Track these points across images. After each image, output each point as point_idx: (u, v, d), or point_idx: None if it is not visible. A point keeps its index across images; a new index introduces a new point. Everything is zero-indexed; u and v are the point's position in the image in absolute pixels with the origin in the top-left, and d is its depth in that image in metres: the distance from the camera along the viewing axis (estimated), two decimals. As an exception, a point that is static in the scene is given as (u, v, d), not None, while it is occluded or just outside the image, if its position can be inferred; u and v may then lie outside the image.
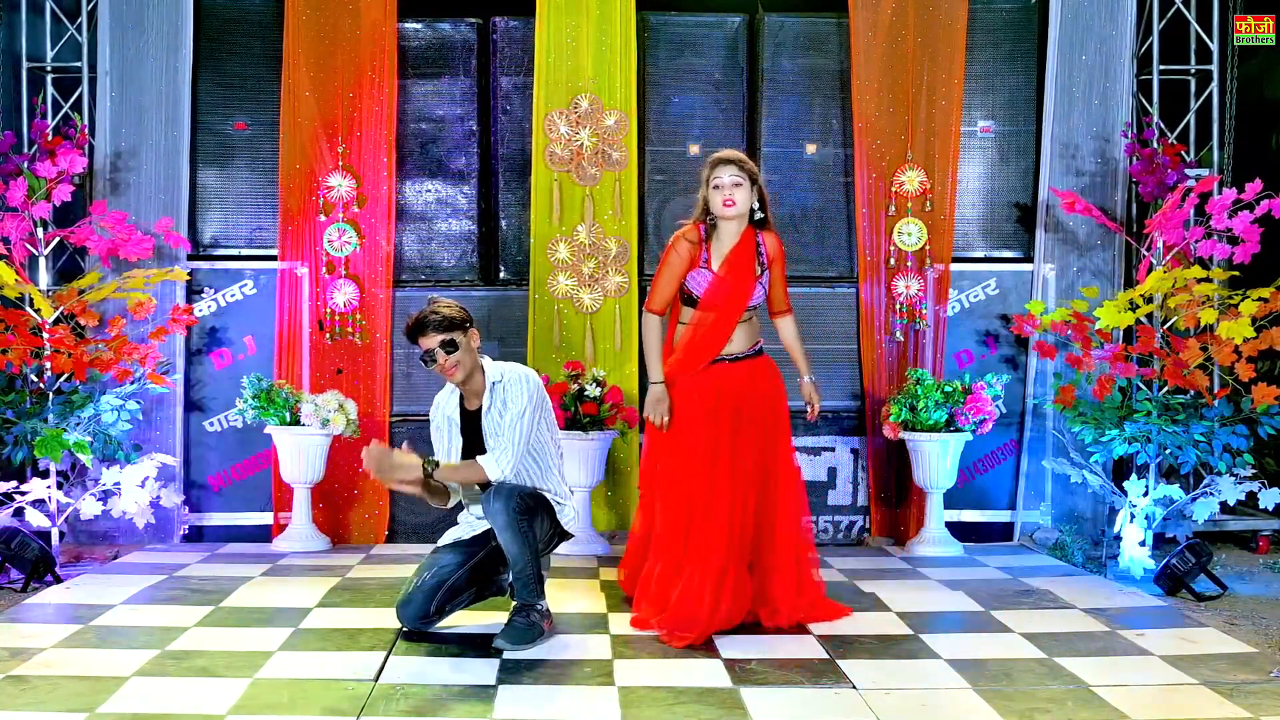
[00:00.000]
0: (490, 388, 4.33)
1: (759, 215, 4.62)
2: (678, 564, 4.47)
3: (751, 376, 4.62)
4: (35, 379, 5.79)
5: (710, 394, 4.56)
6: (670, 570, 4.49)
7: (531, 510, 4.20)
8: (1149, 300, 5.88)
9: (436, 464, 4.28)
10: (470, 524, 4.48)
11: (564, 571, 5.36)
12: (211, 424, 6.32)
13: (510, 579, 4.29)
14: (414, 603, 4.29)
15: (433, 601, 4.30)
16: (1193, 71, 6.62)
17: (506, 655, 4.07)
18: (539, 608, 4.22)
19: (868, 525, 6.41)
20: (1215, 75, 6.57)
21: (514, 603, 4.23)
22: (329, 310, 6.26)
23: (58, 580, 5.25)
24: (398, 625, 4.41)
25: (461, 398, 4.42)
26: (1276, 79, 7.02)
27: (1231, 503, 5.59)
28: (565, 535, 4.47)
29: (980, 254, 6.52)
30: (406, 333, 4.32)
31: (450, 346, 4.25)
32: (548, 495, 4.36)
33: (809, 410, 4.78)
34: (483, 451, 4.32)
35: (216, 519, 6.33)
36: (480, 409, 4.35)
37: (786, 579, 4.52)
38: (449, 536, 4.51)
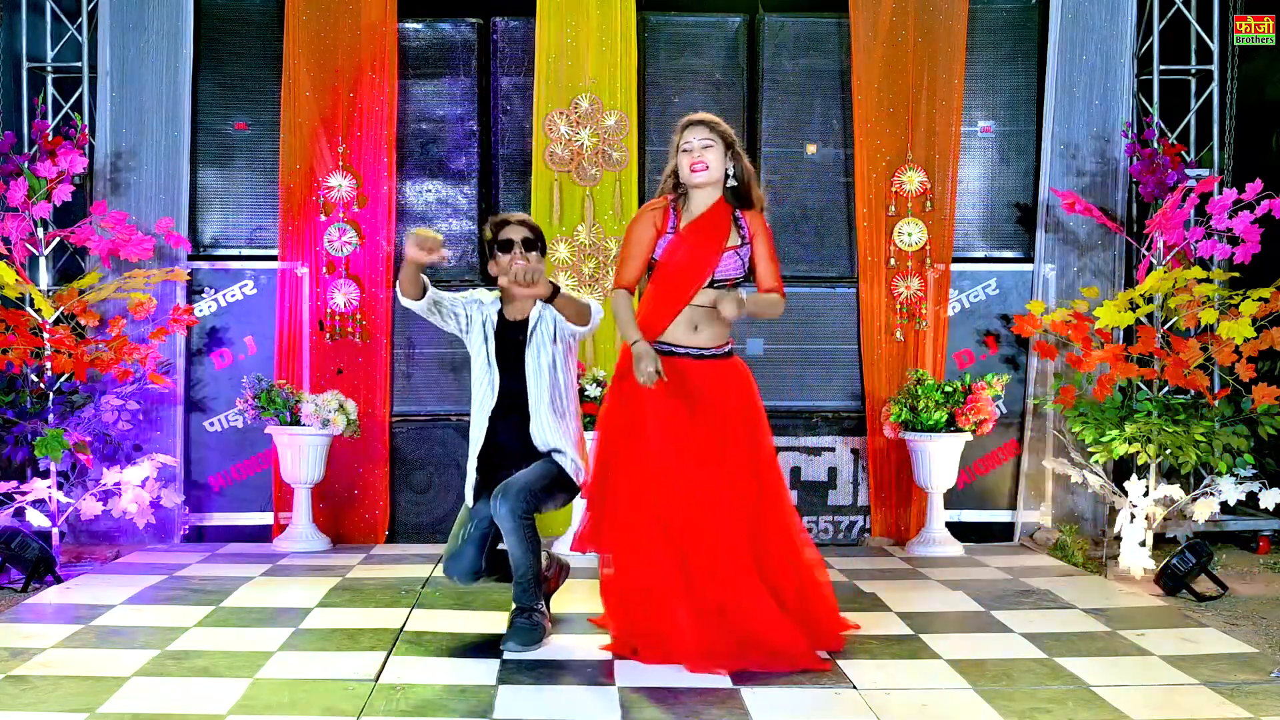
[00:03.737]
0: (541, 306, 4.27)
1: (731, 183, 4.17)
2: (659, 589, 4.01)
3: (720, 379, 4.15)
4: (36, 379, 5.79)
5: (673, 391, 4.07)
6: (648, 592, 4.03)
7: (538, 507, 4.15)
8: (1149, 300, 5.88)
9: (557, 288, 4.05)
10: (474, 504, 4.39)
11: (564, 571, 5.36)
12: (212, 424, 6.32)
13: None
14: (465, 556, 4.22)
15: (483, 554, 4.24)
16: (1193, 71, 6.62)
17: (507, 656, 4.07)
18: (539, 608, 4.22)
19: (868, 525, 6.41)
20: (1215, 75, 6.57)
21: (514, 605, 4.22)
22: (329, 310, 6.26)
23: (58, 580, 5.24)
24: (396, 627, 4.42)
25: (502, 310, 4.34)
26: (1277, 79, 7.02)
27: (1232, 503, 5.59)
28: (574, 492, 4.37)
29: (980, 254, 6.52)
30: (494, 222, 4.32)
31: (531, 246, 4.27)
32: (561, 460, 4.26)
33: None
34: (513, 361, 4.26)
35: (217, 519, 6.33)
36: (523, 321, 4.28)
37: (780, 614, 3.99)
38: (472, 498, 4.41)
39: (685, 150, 4.15)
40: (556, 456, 4.28)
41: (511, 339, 4.30)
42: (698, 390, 4.13)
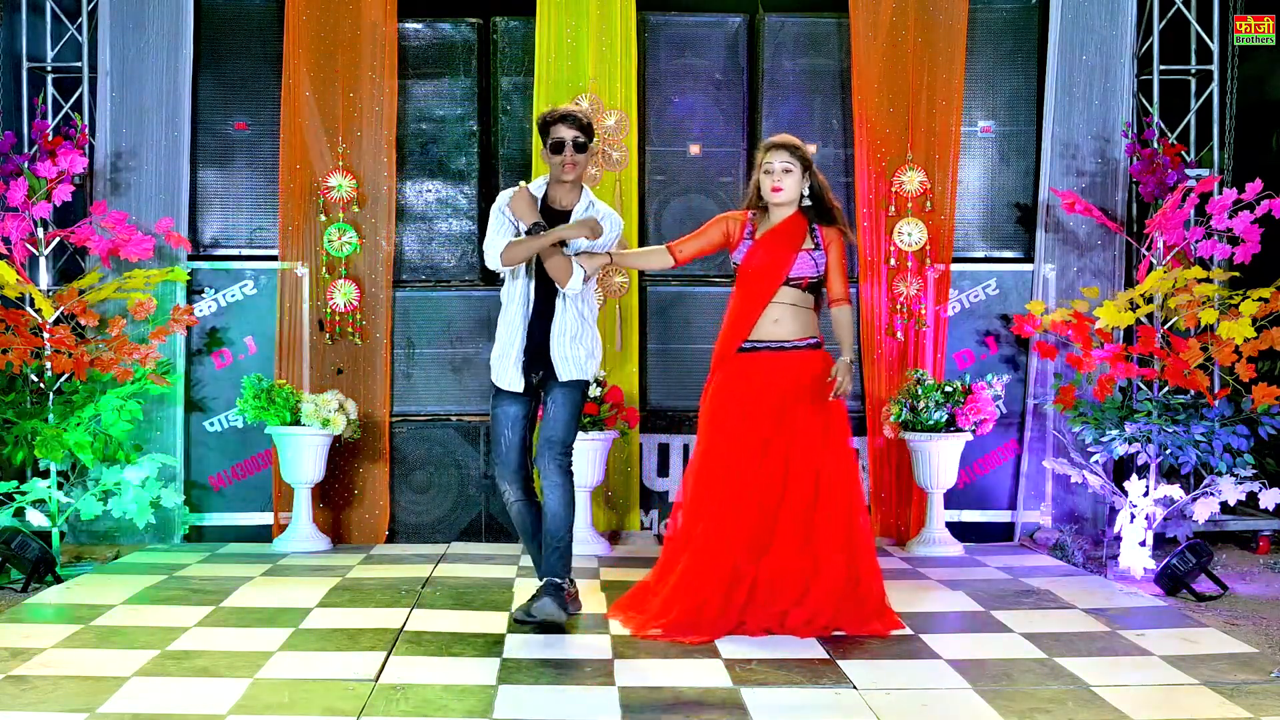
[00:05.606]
0: (589, 203, 4.50)
1: (806, 203, 4.56)
2: (683, 560, 4.47)
3: (799, 370, 4.51)
4: (36, 379, 5.79)
5: (748, 383, 4.50)
6: (678, 567, 4.49)
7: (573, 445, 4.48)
8: (1149, 300, 5.88)
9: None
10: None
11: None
12: (212, 424, 6.32)
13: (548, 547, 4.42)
14: (510, 462, 4.48)
15: (525, 454, 4.50)
16: (1193, 71, 6.62)
17: (507, 655, 4.07)
18: (567, 588, 4.40)
19: (868, 525, 6.40)
20: (1215, 75, 6.57)
21: (545, 578, 4.37)
22: (329, 310, 6.26)
23: (58, 580, 5.25)
24: (396, 627, 4.42)
25: (546, 195, 4.52)
26: (1277, 79, 7.02)
27: (1232, 503, 5.59)
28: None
29: (980, 254, 6.52)
30: (546, 118, 4.47)
31: (582, 147, 4.44)
32: (582, 371, 4.47)
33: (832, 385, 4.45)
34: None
35: (217, 519, 6.33)
36: (567, 210, 4.48)
37: (831, 585, 4.38)
38: (499, 377, 4.54)
39: (766, 172, 4.54)
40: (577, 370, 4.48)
41: (554, 222, 4.46)
42: (774, 381, 4.49)
